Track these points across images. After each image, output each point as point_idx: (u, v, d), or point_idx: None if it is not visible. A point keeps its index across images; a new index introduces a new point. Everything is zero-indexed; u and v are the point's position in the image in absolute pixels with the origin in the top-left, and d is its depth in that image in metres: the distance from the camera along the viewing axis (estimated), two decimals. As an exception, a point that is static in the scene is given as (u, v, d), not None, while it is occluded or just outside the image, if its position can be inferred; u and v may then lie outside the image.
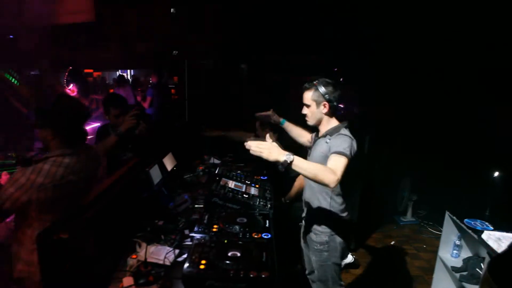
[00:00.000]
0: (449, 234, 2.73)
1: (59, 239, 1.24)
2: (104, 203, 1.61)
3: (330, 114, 1.92)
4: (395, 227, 4.22)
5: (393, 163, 4.32)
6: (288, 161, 1.48)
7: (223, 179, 2.35)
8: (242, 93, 5.57)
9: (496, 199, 2.61)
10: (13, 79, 2.24)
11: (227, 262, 1.43)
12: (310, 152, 2.05)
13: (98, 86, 9.51)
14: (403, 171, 4.41)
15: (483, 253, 2.41)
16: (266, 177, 2.57)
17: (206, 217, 1.88)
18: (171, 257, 1.67)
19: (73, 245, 1.30)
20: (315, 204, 2.00)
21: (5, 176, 2.03)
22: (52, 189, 1.56)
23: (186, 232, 1.91)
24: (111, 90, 7.04)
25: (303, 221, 2.17)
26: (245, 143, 1.54)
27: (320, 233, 1.97)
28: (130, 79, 9.06)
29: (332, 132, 1.87)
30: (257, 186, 2.37)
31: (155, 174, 2.26)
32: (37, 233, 1.27)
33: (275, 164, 1.48)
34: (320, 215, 1.97)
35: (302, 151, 2.06)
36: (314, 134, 2.09)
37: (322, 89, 1.86)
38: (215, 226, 1.77)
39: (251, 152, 1.49)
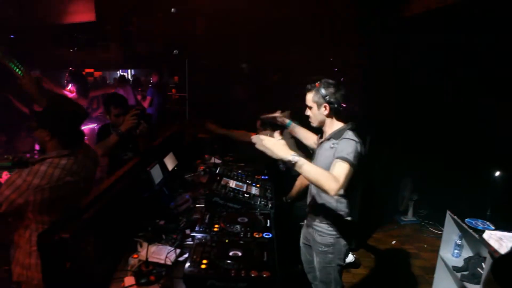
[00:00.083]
0: (450, 234, 2.73)
1: (60, 239, 1.23)
2: (105, 202, 1.61)
3: (332, 115, 1.88)
4: (396, 227, 4.22)
5: (393, 163, 4.31)
6: (293, 162, 1.47)
7: (224, 178, 2.35)
8: (243, 92, 5.58)
9: (497, 198, 2.61)
10: (17, 69, 2.24)
11: (228, 261, 1.43)
12: (315, 155, 2.02)
13: (98, 85, 9.52)
14: (403, 171, 4.41)
15: (484, 252, 2.41)
16: (267, 177, 2.56)
17: (207, 216, 1.88)
18: (172, 256, 1.67)
19: (74, 245, 1.29)
20: (320, 205, 1.96)
21: (5, 176, 2.04)
22: (49, 190, 1.55)
23: (187, 231, 1.91)
24: (112, 90, 7.04)
25: (306, 222, 2.15)
26: (251, 137, 1.53)
27: (326, 235, 1.94)
28: (131, 79, 9.07)
29: (336, 136, 1.83)
30: (258, 185, 2.37)
31: (156, 173, 2.26)
32: (35, 235, 1.27)
33: (276, 162, 1.48)
34: (326, 217, 1.94)
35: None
36: (319, 136, 2.06)
37: (322, 91, 1.82)
38: (216, 226, 1.77)
39: (256, 146, 1.48)
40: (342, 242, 1.94)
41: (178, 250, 1.72)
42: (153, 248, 1.71)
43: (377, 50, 4.89)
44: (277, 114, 2.34)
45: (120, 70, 10.27)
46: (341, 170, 1.60)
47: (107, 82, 10.53)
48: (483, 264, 2.39)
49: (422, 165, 4.08)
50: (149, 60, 7.42)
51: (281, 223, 2.04)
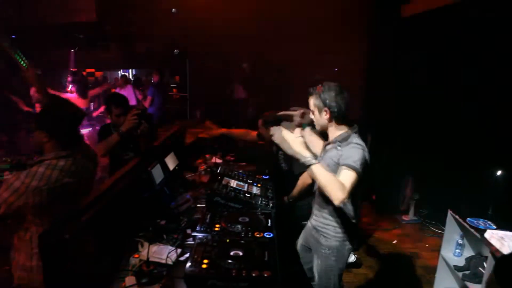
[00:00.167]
0: (452, 233, 2.73)
1: (61, 240, 1.23)
2: (106, 203, 1.61)
3: (334, 120, 1.79)
4: (397, 226, 4.21)
5: (393, 163, 4.31)
6: (306, 164, 1.45)
7: (225, 178, 2.34)
8: (244, 92, 5.58)
9: (498, 198, 2.60)
10: (22, 62, 2.24)
11: (229, 261, 1.42)
12: (320, 158, 1.93)
13: (99, 85, 9.53)
14: (403, 171, 4.41)
15: (486, 252, 2.40)
16: (268, 176, 2.56)
17: (208, 216, 1.88)
18: (173, 256, 1.67)
19: (75, 246, 1.29)
20: (327, 207, 1.90)
21: (7, 176, 2.04)
22: (47, 192, 1.55)
23: (188, 231, 1.91)
24: (113, 90, 7.04)
25: (309, 223, 2.10)
26: (271, 128, 1.51)
27: (331, 237, 1.89)
28: (131, 79, 9.08)
29: (342, 140, 1.77)
30: (259, 185, 2.36)
31: (157, 173, 2.26)
32: (36, 237, 1.26)
33: (278, 162, 1.48)
34: (333, 219, 1.89)
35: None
36: (325, 143, 1.97)
37: (322, 95, 1.76)
38: (217, 226, 1.76)
39: (273, 138, 1.46)
40: (347, 246, 1.90)
41: (179, 250, 1.72)
42: (154, 248, 1.71)
43: (377, 50, 4.89)
44: (298, 112, 2.13)
45: (121, 70, 10.26)
46: (347, 178, 1.58)
47: (108, 82, 10.54)
48: (484, 263, 2.39)
49: (423, 165, 4.07)
50: (149, 60, 7.43)
51: (282, 223, 2.03)
